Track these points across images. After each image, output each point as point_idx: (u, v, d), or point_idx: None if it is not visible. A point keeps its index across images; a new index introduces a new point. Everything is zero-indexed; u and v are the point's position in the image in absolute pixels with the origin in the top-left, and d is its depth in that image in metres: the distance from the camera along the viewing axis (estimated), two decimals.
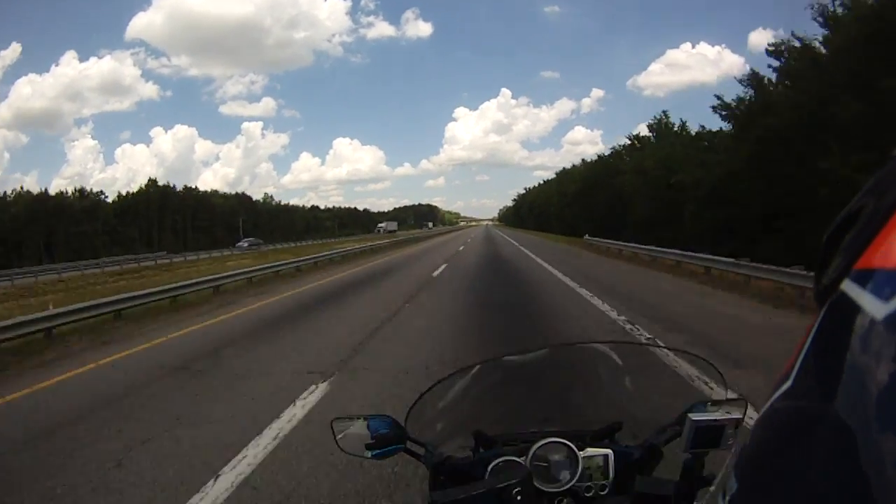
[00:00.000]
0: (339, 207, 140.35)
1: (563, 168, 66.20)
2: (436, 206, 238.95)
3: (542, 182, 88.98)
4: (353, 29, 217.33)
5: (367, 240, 46.44)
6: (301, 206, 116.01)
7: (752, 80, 18.51)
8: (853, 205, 0.32)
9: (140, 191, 70.47)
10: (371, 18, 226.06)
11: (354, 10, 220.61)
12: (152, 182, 72.68)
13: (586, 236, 24.96)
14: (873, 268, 0.27)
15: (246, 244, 50.52)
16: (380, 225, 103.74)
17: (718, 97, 20.21)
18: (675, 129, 34.63)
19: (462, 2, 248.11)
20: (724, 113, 20.29)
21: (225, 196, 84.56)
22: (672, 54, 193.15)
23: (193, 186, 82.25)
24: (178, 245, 57.59)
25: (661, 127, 36.17)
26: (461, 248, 26.05)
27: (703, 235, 21.10)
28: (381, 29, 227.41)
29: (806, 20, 17.50)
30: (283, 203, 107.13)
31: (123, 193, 69.22)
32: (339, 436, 0.94)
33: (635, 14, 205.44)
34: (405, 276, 14.01)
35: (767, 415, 0.32)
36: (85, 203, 61.68)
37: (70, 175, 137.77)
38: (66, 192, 62.17)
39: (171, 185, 74.04)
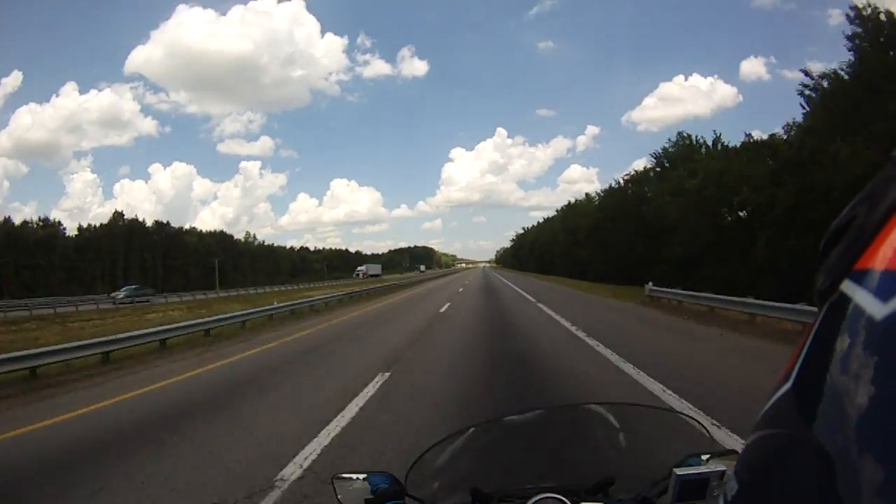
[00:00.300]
0: (330, 249, 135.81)
1: (568, 202, 60.75)
2: (432, 249, 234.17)
3: (542, 220, 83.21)
4: (349, 67, 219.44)
5: (347, 286, 39.17)
6: (289, 246, 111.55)
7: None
8: (854, 205, 0.31)
9: (104, 225, 64.88)
10: (367, 56, 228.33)
11: (351, 49, 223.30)
12: (118, 214, 67.07)
13: (649, 286, 15.70)
14: (873, 269, 0.27)
15: (123, 294, 35.97)
16: (359, 269, 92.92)
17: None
18: (701, 145, 29.78)
19: (457, 39, 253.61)
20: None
21: (201, 234, 78.88)
22: (665, 87, 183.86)
23: (189, 226, 78.67)
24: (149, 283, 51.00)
25: (683, 145, 31.16)
26: (443, 310, 15.30)
27: (780, 272, 15.12)
28: (378, 67, 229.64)
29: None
30: (268, 244, 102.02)
31: (85, 225, 64.07)
32: (340, 494, 0.97)
33: (628, 47, 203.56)
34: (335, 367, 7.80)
35: (767, 416, 0.32)
36: (39, 234, 55.58)
37: (69, 208, 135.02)
38: (21, 220, 56.84)
39: (141, 220, 68.97)
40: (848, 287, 0.28)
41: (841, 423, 0.24)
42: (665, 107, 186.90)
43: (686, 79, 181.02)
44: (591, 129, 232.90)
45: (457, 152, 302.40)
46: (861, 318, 0.26)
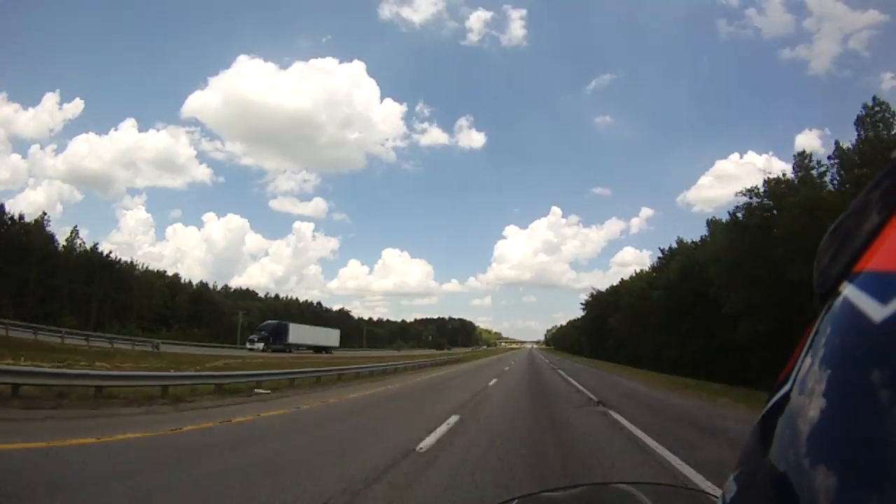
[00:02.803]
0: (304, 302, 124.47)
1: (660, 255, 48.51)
2: (472, 323, 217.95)
3: (632, 274, 61.43)
4: (406, 134, 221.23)
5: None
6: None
7: None
8: (853, 206, 0.32)
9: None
10: (425, 125, 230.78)
11: (409, 116, 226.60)
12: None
13: None
14: (872, 270, 0.27)
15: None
16: (251, 337, 48.69)
17: None
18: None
19: (515, 111, 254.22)
20: None
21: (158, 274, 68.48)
22: (721, 165, 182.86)
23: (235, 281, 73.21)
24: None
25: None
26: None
27: None
28: (435, 136, 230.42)
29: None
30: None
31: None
32: None
33: (684, 124, 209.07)
34: None
35: (765, 417, 0.32)
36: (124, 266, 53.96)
37: (119, 241, 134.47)
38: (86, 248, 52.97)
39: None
40: (847, 289, 0.28)
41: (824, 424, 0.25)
42: (721, 185, 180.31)
43: (741, 156, 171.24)
44: (646, 211, 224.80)
45: (510, 230, 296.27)
46: (861, 319, 0.26)
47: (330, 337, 60.90)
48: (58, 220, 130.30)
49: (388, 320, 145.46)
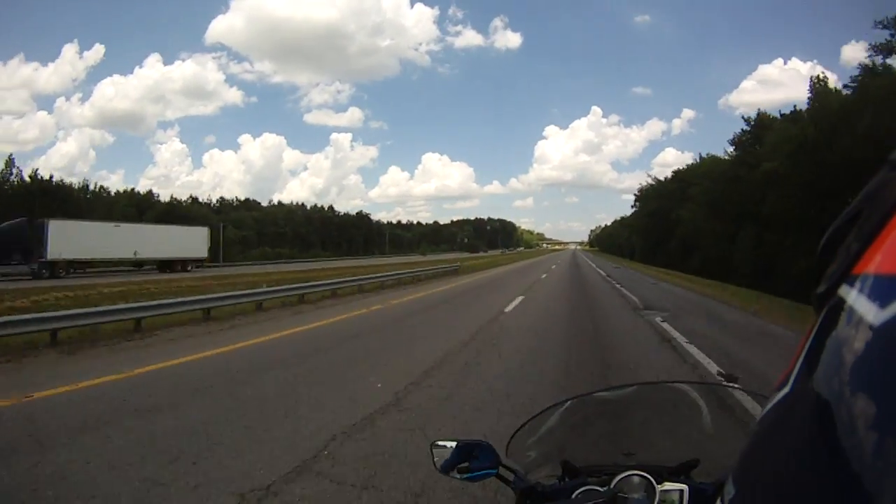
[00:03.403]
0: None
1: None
2: (512, 224, 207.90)
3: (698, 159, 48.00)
4: (440, 38, 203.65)
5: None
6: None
7: None
8: (851, 209, 0.31)
9: None
10: (458, 27, 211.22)
11: (441, 19, 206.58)
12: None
13: None
14: (871, 273, 0.27)
15: None
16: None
17: None
18: None
19: (551, 11, 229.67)
20: None
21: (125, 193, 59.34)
22: (764, 70, 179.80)
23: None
24: None
25: None
26: None
27: None
28: (469, 38, 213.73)
29: None
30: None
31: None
32: (437, 458, 1.01)
33: (726, 26, 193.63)
34: None
35: (764, 419, 0.32)
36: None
37: (155, 176, 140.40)
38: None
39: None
40: (846, 291, 0.28)
41: (838, 425, 0.24)
42: (764, 90, 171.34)
43: (785, 62, 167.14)
44: (687, 113, 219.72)
45: (551, 130, 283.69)
46: (859, 322, 0.25)
47: (183, 241, 31.61)
48: (93, 164, 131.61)
49: (418, 223, 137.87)
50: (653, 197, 53.51)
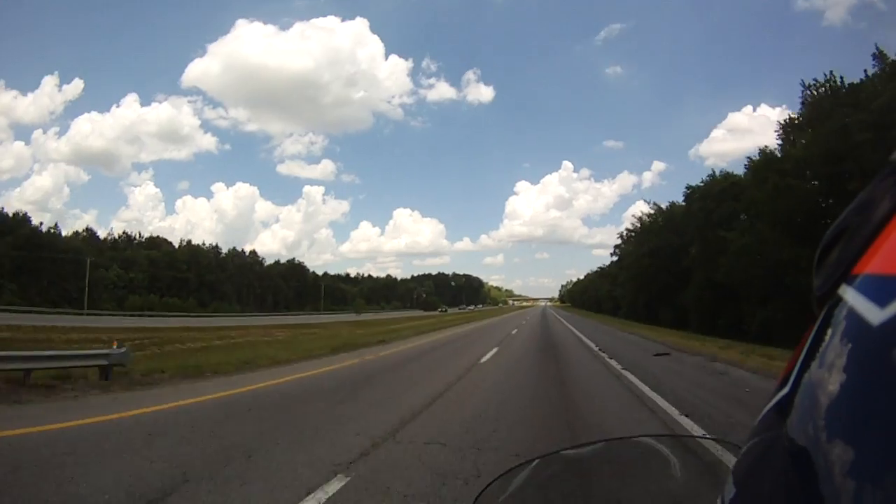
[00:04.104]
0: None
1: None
2: (476, 278, 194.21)
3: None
4: (413, 90, 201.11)
5: None
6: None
7: None
8: (851, 208, 0.31)
9: None
10: (432, 80, 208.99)
11: (415, 72, 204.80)
12: None
13: None
14: (870, 273, 0.27)
15: None
16: None
17: None
18: None
19: (523, 64, 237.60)
20: None
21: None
22: (734, 118, 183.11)
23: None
24: None
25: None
26: None
27: None
28: (442, 91, 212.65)
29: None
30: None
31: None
32: None
33: (697, 76, 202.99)
34: None
35: (763, 420, 0.32)
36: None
37: (128, 218, 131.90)
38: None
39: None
40: (845, 291, 0.28)
41: (825, 423, 0.24)
42: (734, 139, 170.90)
43: (754, 109, 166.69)
44: (658, 165, 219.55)
45: (522, 185, 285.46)
46: (858, 322, 0.26)
47: None
48: (66, 202, 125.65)
49: (369, 276, 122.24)
50: (654, 231, 40.23)
